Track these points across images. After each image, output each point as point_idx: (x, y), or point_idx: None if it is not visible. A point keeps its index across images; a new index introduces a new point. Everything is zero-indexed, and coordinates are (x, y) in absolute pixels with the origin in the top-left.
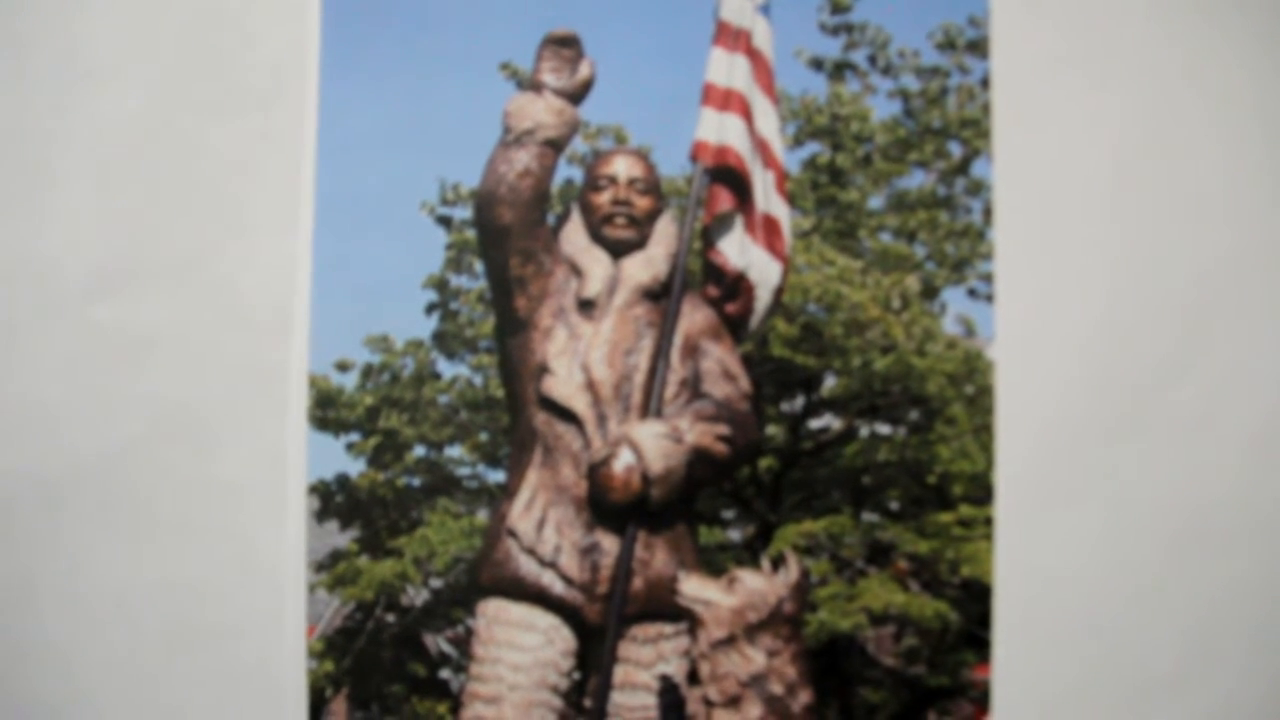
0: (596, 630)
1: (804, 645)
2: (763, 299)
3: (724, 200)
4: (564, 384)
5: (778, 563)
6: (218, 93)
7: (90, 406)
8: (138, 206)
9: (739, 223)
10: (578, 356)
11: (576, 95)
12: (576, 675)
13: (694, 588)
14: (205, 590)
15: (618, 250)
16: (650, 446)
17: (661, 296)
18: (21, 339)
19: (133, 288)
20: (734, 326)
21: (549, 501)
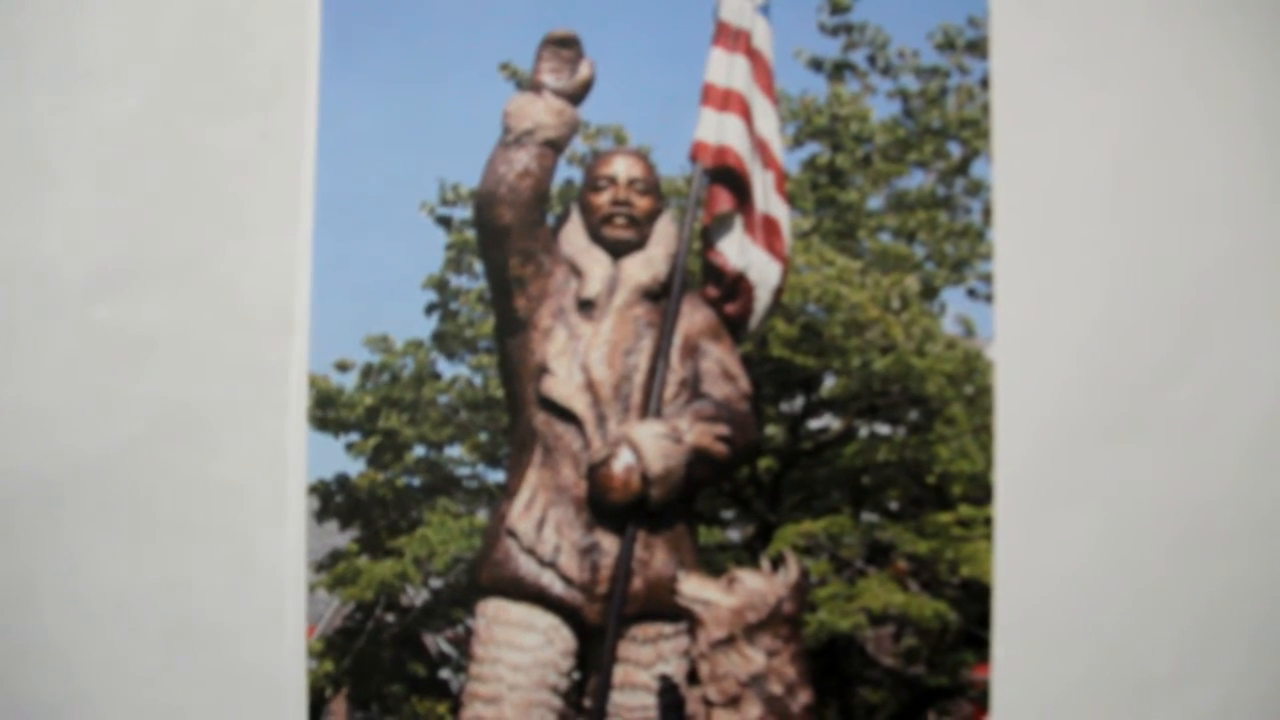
0: (596, 630)
1: (803, 645)
2: (762, 299)
3: (723, 200)
4: (564, 384)
5: (777, 563)
6: (218, 93)
7: (90, 406)
8: (138, 206)
9: (738, 223)
10: (577, 357)
11: (576, 96)
12: (576, 675)
13: (693, 588)
14: (205, 590)
15: (617, 250)
16: (650, 447)
17: (661, 297)
18: (21, 339)
19: (133, 288)
20: (733, 327)
21: (549, 501)
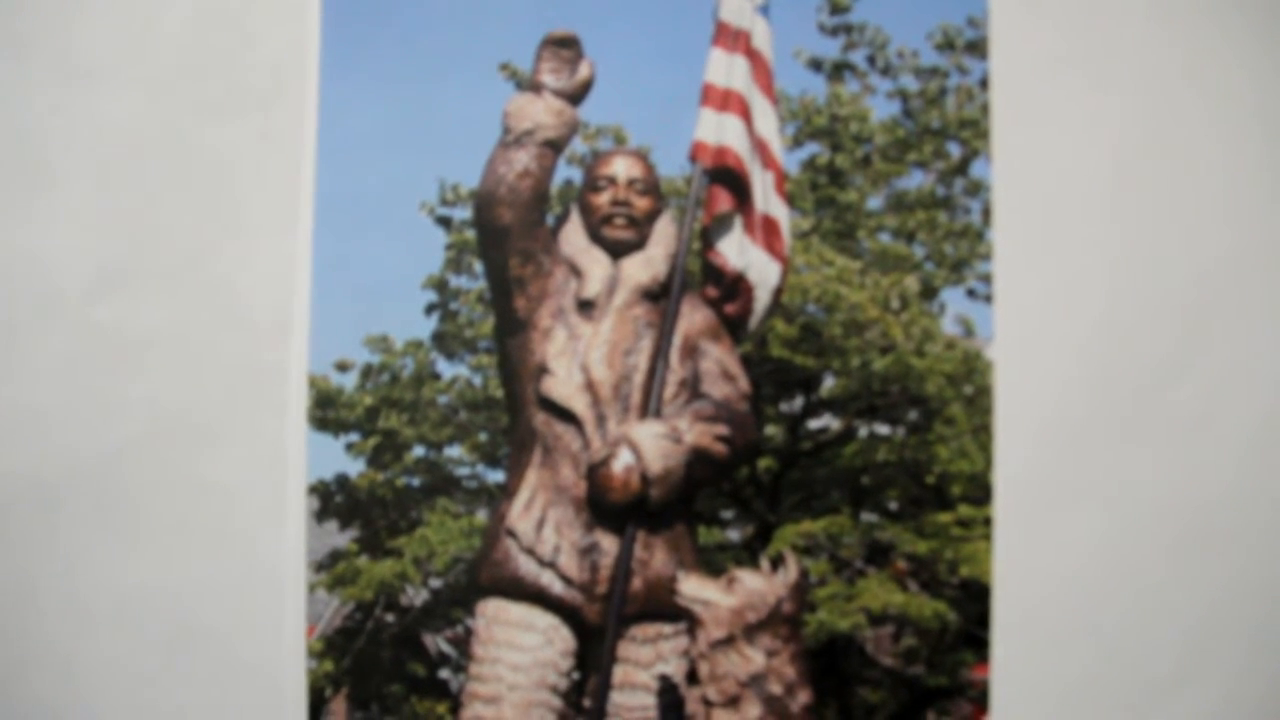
0: (596, 630)
1: (803, 645)
2: (762, 299)
3: (723, 201)
4: (563, 384)
5: (777, 563)
6: (218, 93)
7: (89, 407)
8: (137, 206)
9: (738, 223)
10: (577, 357)
11: (576, 96)
12: (576, 675)
13: (693, 588)
14: (205, 591)
15: (617, 251)
16: (649, 447)
17: (661, 297)
18: (20, 339)
19: (132, 288)
20: (733, 327)
21: (548, 501)
